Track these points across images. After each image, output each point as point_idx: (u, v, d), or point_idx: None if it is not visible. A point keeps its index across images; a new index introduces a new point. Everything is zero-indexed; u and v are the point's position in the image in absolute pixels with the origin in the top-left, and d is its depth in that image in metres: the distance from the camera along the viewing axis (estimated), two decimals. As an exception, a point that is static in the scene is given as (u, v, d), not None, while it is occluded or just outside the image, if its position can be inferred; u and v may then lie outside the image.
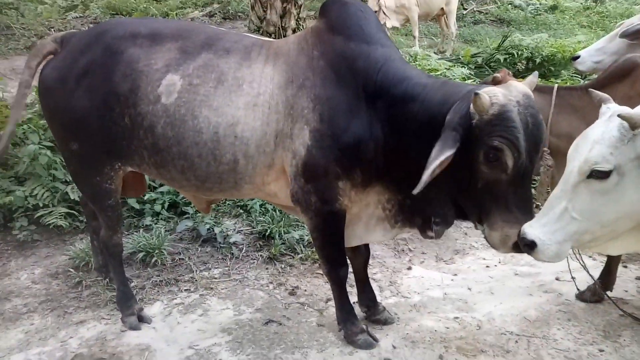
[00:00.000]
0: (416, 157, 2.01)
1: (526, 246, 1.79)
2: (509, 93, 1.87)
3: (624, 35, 3.11)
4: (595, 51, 3.31)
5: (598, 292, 2.83)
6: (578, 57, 3.38)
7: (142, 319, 2.66)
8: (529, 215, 1.90)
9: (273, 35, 6.48)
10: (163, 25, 2.44)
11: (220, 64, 2.25)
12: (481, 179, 1.92)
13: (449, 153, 1.84)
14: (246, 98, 2.21)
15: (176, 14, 8.02)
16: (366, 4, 2.42)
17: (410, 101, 2.10)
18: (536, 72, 2.11)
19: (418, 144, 2.05)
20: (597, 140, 1.68)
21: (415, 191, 1.90)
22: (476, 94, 1.81)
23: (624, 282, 3.05)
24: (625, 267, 3.25)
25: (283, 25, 6.61)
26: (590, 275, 2.71)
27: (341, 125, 2.15)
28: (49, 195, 3.43)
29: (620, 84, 2.46)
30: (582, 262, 2.71)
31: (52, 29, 6.72)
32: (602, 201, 1.69)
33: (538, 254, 1.77)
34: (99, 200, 2.50)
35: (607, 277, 2.85)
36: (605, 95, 1.84)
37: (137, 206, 3.59)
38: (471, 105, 1.87)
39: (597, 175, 1.66)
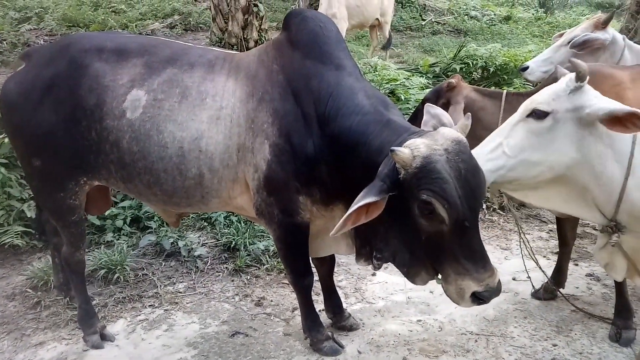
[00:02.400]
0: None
1: None
2: (434, 142, 1.77)
3: (573, 45, 3.30)
4: (542, 61, 3.49)
5: (551, 289, 2.98)
6: (527, 68, 3.54)
7: (104, 337, 2.61)
8: (481, 264, 1.81)
9: (235, 47, 6.49)
10: (129, 40, 2.41)
11: (184, 79, 2.25)
12: (423, 232, 1.84)
13: (368, 200, 1.76)
14: (209, 112, 2.21)
15: (136, 25, 7.90)
16: (328, 17, 2.42)
17: (354, 143, 2.05)
18: (469, 114, 1.99)
19: (367, 180, 1.93)
20: (547, 89, 1.90)
21: (332, 234, 1.88)
22: (392, 151, 1.74)
23: (575, 280, 3.22)
24: (576, 265, 3.42)
25: (245, 36, 6.62)
26: (543, 272, 2.86)
27: (297, 141, 2.14)
28: (3, 214, 3.33)
29: None
30: (534, 258, 2.86)
31: (4, 42, 6.50)
32: (533, 141, 1.87)
33: None
34: (62, 216, 2.46)
35: (559, 275, 3.01)
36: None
37: (97, 222, 3.52)
38: None
39: (536, 114, 1.86)
